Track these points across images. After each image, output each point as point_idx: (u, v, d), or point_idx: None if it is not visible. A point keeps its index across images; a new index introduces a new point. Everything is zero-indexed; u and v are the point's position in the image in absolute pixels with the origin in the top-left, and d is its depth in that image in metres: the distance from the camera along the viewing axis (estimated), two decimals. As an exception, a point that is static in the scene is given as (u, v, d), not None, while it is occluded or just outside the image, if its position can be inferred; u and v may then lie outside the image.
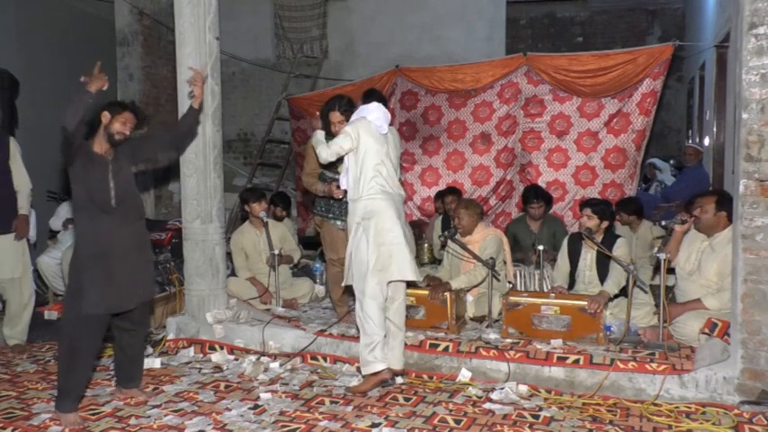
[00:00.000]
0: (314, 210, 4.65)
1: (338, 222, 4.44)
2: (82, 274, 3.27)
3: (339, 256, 4.57)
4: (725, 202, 3.88)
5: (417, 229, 6.07)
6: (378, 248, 3.60)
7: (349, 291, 4.09)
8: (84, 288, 3.24)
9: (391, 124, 3.91)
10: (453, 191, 5.96)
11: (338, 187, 4.03)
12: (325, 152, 3.76)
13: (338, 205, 4.39)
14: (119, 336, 3.60)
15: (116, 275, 3.30)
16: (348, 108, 3.97)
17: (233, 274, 5.22)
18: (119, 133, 3.34)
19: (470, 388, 3.67)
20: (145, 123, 3.42)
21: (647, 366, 3.55)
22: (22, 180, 4.50)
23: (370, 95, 3.95)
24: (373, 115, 3.74)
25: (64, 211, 5.84)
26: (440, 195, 6.13)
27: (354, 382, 3.77)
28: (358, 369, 3.84)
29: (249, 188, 6.18)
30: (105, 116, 3.34)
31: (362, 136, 3.66)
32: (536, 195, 5.51)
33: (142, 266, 3.49)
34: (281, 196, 6.30)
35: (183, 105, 4.47)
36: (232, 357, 4.30)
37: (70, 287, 3.37)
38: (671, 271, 4.14)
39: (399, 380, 3.77)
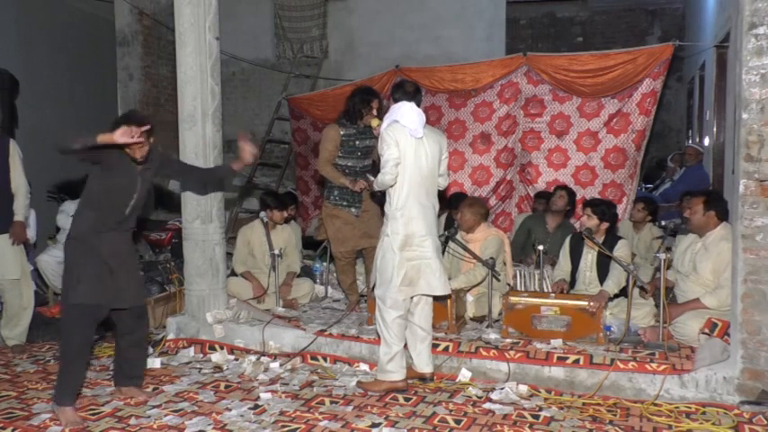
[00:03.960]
0: (326, 199, 4.66)
1: (353, 209, 4.53)
2: (74, 266, 3.31)
3: (346, 249, 4.61)
4: (712, 202, 3.92)
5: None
6: (406, 263, 3.53)
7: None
8: (75, 279, 3.27)
9: None
10: (459, 199, 5.69)
11: (367, 179, 4.13)
12: (386, 177, 3.50)
13: (352, 193, 4.48)
14: (118, 339, 3.62)
15: (107, 271, 3.32)
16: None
17: (233, 274, 5.21)
18: (137, 152, 3.28)
19: (470, 388, 3.67)
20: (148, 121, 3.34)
21: (647, 366, 3.55)
22: (19, 183, 4.45)
23: (402, 92, 3.66)
24: (407, 119, 3.53)
25: (71, 207, 5.80)
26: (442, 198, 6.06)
27: (354, 381, 3.78)
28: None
29: (273, 192, 6.05)
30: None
31: (400, 144, 3.51)
32: (561, 187, 5.54)
33: (131, 270, 3.50)
34: (289, 196, 6.29)
35: (184, 105, 4.48)
36: (232, 357, 4.30)
37: (64, 280, 3.40)
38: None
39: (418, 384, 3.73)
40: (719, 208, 3.91)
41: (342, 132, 4.48)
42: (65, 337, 3.34)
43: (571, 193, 5.54)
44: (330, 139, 4.48)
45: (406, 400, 3.51)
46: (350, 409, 3.39)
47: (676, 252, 4.26)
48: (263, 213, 5.09)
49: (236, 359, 4.26)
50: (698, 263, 3.96)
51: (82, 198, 3.43)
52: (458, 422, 3.21)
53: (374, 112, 4.42)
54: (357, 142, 4.51)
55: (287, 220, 5.88)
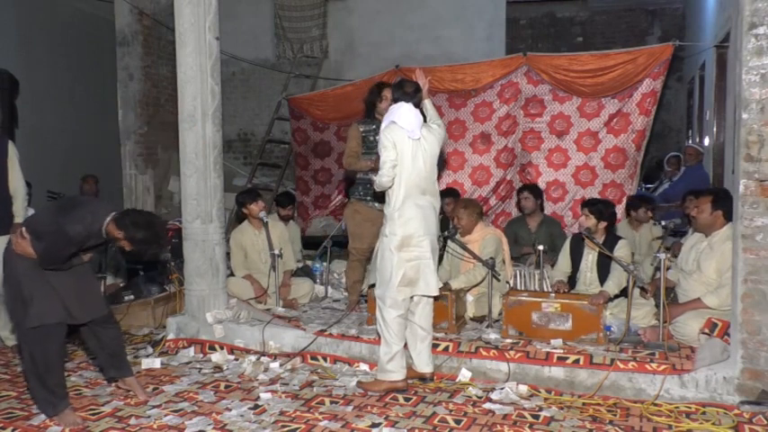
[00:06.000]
0: (351, 196, 4.76)
1: (376, 204, 4.56)
2: (22, 286, 3.16)
3: (362, 246, 4.66)
4: (720, 201, 3.90)
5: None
6: (404, 264, 3.54)
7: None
8: (27, 298, 3.14)
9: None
10: (451, 193, 5.88)
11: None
12: (383, 179, 3.53)
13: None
14: (92, 335, 3.48)
15: (56, 285, 3.19)
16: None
17: (232, 274, 5.21)
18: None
19: (470, 388, 3.67)
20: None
21: (647, 366, 3.55)
22: (18, 185, 4.42)
23: (402, 92, 3.66)
24: (404, 121, 3.54)
25: None
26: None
27: (354, 381, 3.78)
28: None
29: (245, 190, 6.09)
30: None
31: (397, 146, 3.52)
32: (524, 188, 5.66)
33: (82, 279, 3.34)
34: (286, 196, 6.27)
35: (184, 105, 4.49)
36: (232, 357, 4.30)
37: (11, 297, 3.25)
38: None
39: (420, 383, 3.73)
40: (727, 208, 3.88)
41: (361, 129, 4.56)
42: (34, 359, 3.17)
43: (535, 190, 5.61)
44: (352, 137, 4.56)
45: (406, 400, 3.51)
46: (350, 409, 3.39)
47: (682, 251, 4.25)
48: (262, 213, 5.07)
49: (236, 359, 4.26)
50: (702, 261, 3.95)
51: (38, 224, 3.19)
52: (458, 422, 3.21)
53: (388, 102, 4.45)
54: (378, 137, 4.54)
55: (285, 220, 5.89)
